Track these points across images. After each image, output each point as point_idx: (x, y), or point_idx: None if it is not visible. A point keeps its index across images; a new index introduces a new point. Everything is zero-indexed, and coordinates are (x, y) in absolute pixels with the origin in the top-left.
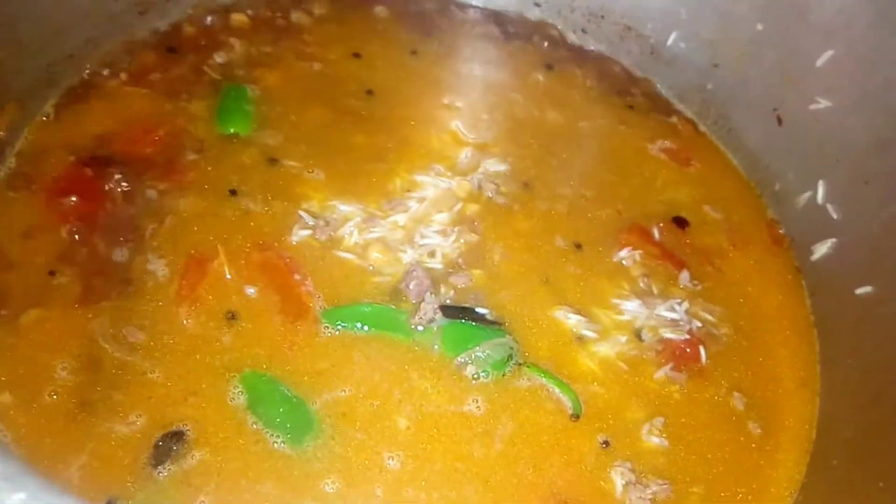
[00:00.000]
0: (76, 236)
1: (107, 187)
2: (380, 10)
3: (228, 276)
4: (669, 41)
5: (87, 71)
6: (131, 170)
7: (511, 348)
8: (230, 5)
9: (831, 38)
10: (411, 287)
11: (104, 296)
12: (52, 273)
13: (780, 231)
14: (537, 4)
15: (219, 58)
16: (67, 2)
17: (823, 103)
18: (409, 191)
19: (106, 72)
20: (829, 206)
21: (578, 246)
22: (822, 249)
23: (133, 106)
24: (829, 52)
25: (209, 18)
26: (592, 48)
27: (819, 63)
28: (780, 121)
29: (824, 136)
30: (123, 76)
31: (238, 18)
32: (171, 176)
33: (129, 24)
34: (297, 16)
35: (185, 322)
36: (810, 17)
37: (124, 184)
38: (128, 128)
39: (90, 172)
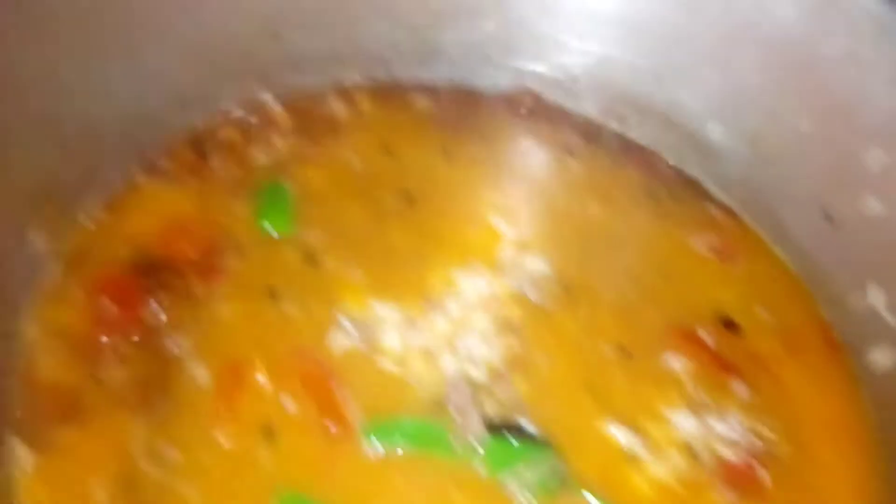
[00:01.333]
0: (115, 347)
1: (147, 296)
2: (419, 100)
3: (266, 388)
4: (711, 133)
5: (125, 172)
6: (172, 276)
7: (558, 468)
8: (271, 100)
9: (881, 140)
10: (453, 400)
11: (141, 410)
12: (90, 385)
13: (836, 335)
14: (574, 94)
15: (259, 154)
16: (108, 100)
17: (876, 206)
18: (448, 291)
19: (144, 172)
20: (887, 312)
21: (624, 351)
22: (881, 357)
23: (173, 207)
24: (880, 155)
25: (250, 114)
26: (632, 138)
27: (870, 165)
28: (830, 220)
29: (879, 239)
30: (162, 176)
31: (279, 113)
32: (212, 280)
33: (168, 122)
34: (337, 107)
35: (221, 439)
36: (859, 120)
37: (164, 291)
38: (168, 231)
39: (130, 281)
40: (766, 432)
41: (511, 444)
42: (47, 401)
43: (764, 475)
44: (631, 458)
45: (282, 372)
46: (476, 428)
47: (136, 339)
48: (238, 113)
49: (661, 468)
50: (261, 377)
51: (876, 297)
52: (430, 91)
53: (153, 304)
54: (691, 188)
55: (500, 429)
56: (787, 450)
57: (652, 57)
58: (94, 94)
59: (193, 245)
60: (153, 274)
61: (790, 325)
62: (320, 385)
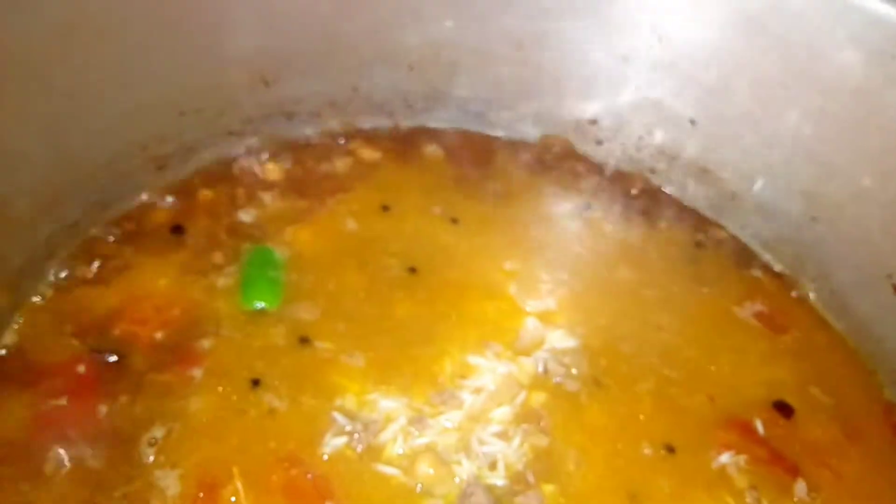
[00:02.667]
0: (61, 452)
1: (104, 387)
2: (425, 150)
3: None
4: (755, 188)
5: (89, 242)
6: (137, 360)
7: None
8: (258, 153)
9: None
10: None
11: None
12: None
13: None
14: (599, 142)
15: (245, 216)
16: (71, 165)
17: None
18: (462, 377)
19: (112, 238)
20: None
21: (669, 449)
22: None
23: (143, 279)
24: None
25: (233, 169)
26: (665, 192)
27: None
28: None
29: None
30: (133, 243)
31: (268, 168)
32: (184, 366)
33: (142, 183)
34: (333, 159)
35: None
36: None
37: (125, 381)
38: (136, 306)
39: (84, 368)
40: None
41: None
42: None
43: None
44: None
45: (265, 486)
46: None
47: (87, 444)
48: (219, 168)
49: None
50: (240, 495)
51: None
52: (438, 140)
53: (111, 395)
54: (736, 250)
55: None
56: None
57: (691, 104)
58: (51, 157)
59: (165, 324)
60: (114, 358)
61: (850, 407)
62: (311, 502)
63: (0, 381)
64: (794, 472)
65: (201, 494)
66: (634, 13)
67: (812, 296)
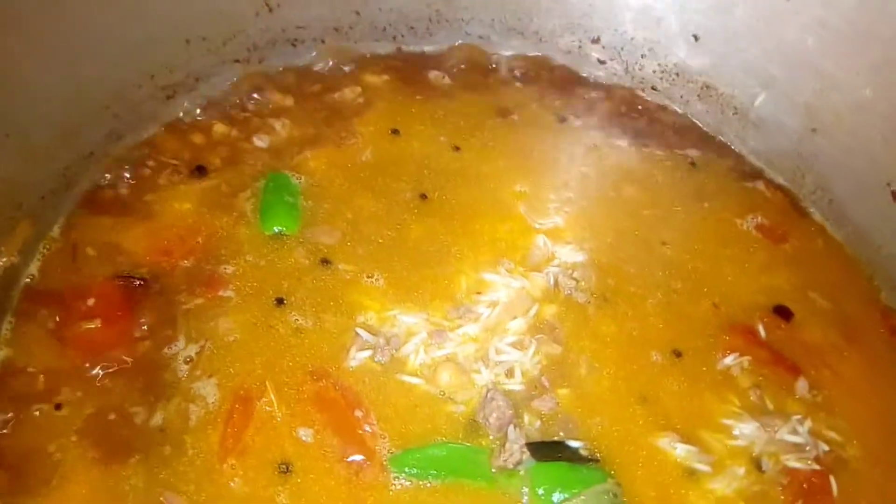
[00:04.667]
0: (99, 374)
1: (136, 310)
2: (435, 76)
3: (278, 418)
4: (757, 102)
5: (108, 173)
6: (164, 285)
7: (614, 494)
8: (266, 82)
9: None
10: (491, 420)
11: (134, 453)
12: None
13: None
14: (602, 62)
15: (259, 142)
16: (85, 96)
17: None
18: (477, 293)
19: (129, 171)
20: None
21: (677, 353)
22: None
23: (165, 209)
24: None
25: (245, 99)
26: (667, 109)
27: None
28: (895, 197)
29: None
30: (151, 174)
31: (279, 98)
32: (211, 289)
33: (154, 112)
34: (348, 90)
35: (232, 482)
36: None
37: (157, 309)
38: (160, 236)
39: (113, 292)
40: (831, 434)
41: (558, 467)
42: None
43: (833, 485)
44: (691, 475)
45: (296, 398)
46: (517, 449)
47: (123, 364)
48: (229, 96)
49: (724, 484)
50: (273, 406)
51: None
52: (442, 64)
53: (143, 319)
54: (737, 164)
55: (548, 452)
56: (854, 453)
57: (694, 20)
58: (65, 88)
59: (190, 252)
60: (143, 283)
61: (848, 311)
62: (340, 411)
63: (31, 307)
64: (795, 371)
65: (238, 406)
66: None
67: (811, 206)
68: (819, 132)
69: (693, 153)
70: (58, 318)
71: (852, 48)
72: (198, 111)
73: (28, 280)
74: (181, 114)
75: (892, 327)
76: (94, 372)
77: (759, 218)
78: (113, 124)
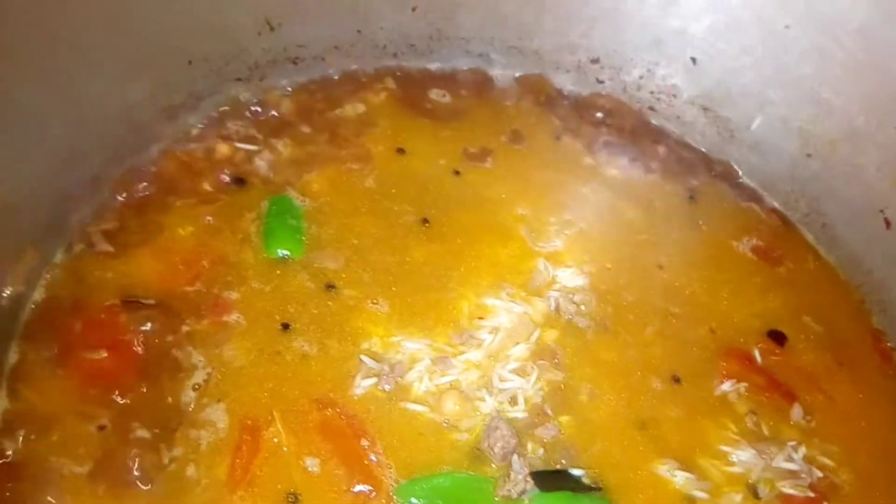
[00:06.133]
0: (106, 402)
1: (140, 337)
2: (436, 94)
3: (286, 448)
4: (753, 125)
5: (111, 196)
6: (169, 311)
7: None
8: (268, 100)
9: None
10: (496, 449)
11: (143, 483)
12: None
13: (889, 345)
14: (600, 81)
15: (261, 161)
16: (86, 120)
17: None
18: (479, 318)
19: (132, 194)
20: None
21: (675, 380)
22: None
23: (169, 233)
24: None
25: (245, 121)
26: (664, 131)
27: None
28: (887, 224)
29: None
30: (154, 197)
31: (281, 118)
32: (217, 314)
33: (156, 134)
34: (349, 108)
35: None
36: None
37: (163, 335)
38: (165, 261)
39: (122, 319)
40: (824, 460)
41: (561, 496)
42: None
43: None
44: (690, 502)
45: (303, 426)
46: (521, 479)
47: (129, 392)
48: (230, 117)
49: None
50: (280, 436)
51: None
52: (442, 82)
53: (149, 347)
54: (733, 187)
55: (551, 481)
56: (847, 477)
57: (693, 43)
58: (64, 111)
59: (195, 278)
60: (147, 311)
61: (840, 335)
62: (346, 440)
63: (35, 334)
64: (790, 397)
65: (246, 436)
66: None
67: (805, 229)
68: (814, 157)
69: (690, 175)
70: (62, 346)
71: (849, 76)
72: (200, 132)
73: (32, 307)
74: (183, 135)
75: (883, 350)
76: (101, 400)
77: (755, 240)
78: (115, 147)
